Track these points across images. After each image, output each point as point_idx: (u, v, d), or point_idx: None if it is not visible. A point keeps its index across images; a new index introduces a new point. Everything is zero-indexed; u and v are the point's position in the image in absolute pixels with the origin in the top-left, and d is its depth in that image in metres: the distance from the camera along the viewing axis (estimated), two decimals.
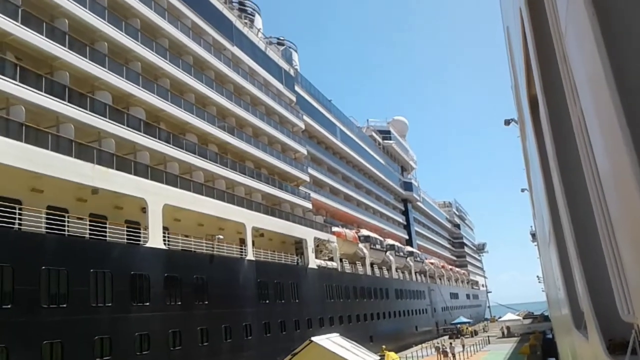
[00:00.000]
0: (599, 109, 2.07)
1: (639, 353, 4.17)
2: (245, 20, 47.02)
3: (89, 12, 26.63)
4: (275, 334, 36.65)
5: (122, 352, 23.61)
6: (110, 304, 23.56)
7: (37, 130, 22.55)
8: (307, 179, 51.01)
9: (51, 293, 21.02)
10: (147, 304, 25.81)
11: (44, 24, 23.84)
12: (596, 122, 2.34)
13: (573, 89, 2.87)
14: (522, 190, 50.91)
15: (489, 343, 57.46)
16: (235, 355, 31.77)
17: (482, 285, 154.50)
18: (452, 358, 39.86)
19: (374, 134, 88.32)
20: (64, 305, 21.28)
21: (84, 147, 24.82)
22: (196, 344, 28.57)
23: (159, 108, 31.19)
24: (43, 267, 20.73)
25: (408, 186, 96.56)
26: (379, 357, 27.31)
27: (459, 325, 77.38)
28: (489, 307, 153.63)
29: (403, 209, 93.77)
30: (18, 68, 22.07)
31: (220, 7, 41.07)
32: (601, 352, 5.28)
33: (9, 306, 19.15)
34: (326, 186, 59.66)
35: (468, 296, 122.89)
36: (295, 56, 62.87)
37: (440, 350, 42.60)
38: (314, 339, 20.39)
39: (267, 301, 36.83)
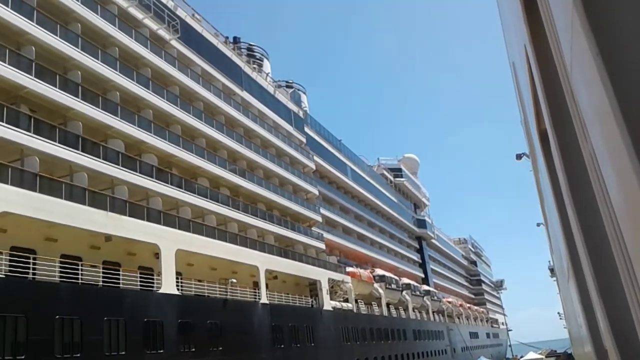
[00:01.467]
0: (609, 146, 2.05)
1: None
2: (254, 65, 47.96)
3: (101, 63, 27.34)
4: None
5: None
6: (124, 352, 23.30)
7: (51, 180, 22.86)
8: (320, 219, 50.88)
9: (65, 342, 20.85)
10: (161, 351, 25.49)
11: (57, 76, 24.47)
12: (607, 158, 2.32)
13: (583, 126, 2.85)
14: (538, 225, 50.29)
15: None
16: None
17: (502, 324, 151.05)
18: None
19: (385, 172, 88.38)
20: (78, 355, 21.06)
21: (98, 195, 25.07)
22: None
23: (170, 154, 31.56)
24: (57, 317, 20.64)
25: (422, 223, 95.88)
26: None
27: None
28: (510, 346, 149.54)
29: (417, 246, 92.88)
30: (32, 120, 22.55)
31: (229, 53, 42.02)
32: None
33: (23, 357, 18.99)
34: (339, 226, 59.41)
35: (488, 335, 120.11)
36: (304, 98, 63.79)
37: None
38: None
39: (282, 345, 36.21)
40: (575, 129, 3.39)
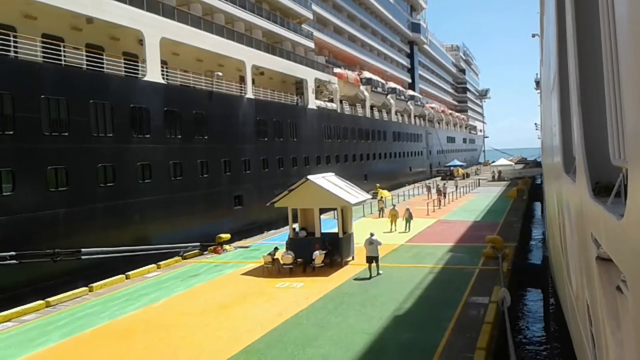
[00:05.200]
0: None
1: (623, 196, 4.31)
2: None
3: None
4: (272, 170, 37.91)
5: (125, 179, 24.57)
6: (111, 135, 23.98)
7: None
8: (310, 16, 48.97)
9: (52, 121, 21.23)
10: (148, 136, 26.28)
11: None
12: None
13: None
14: (533, 36, 49.33)
15: (479, 185, 59.44)
16: (233, 187, 33.17)
17: (480, 131, 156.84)
18: (443, 197, 41.55)
19: None
20: (66, 134, 21.62)
21: None
22: (196, 175, 29.67)
23: None
24: (42, 96, 20.69)
25: (416, 27, 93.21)
26: (371, 195, 28.54)
27: (452, 168, 79.76)
28: (484, 151, 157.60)
29: (408, 51, 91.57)
30: None
31: None
32: (586, 194, 5.48)
33: (12, 132, 19.44)
34: (330, 25, 57.55)
35: (465, 140, 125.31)
36: None
37: (436, 189, 44.10)
38: (309, 177, 21.10)
39: (266, 138, 37.50)
40: None
